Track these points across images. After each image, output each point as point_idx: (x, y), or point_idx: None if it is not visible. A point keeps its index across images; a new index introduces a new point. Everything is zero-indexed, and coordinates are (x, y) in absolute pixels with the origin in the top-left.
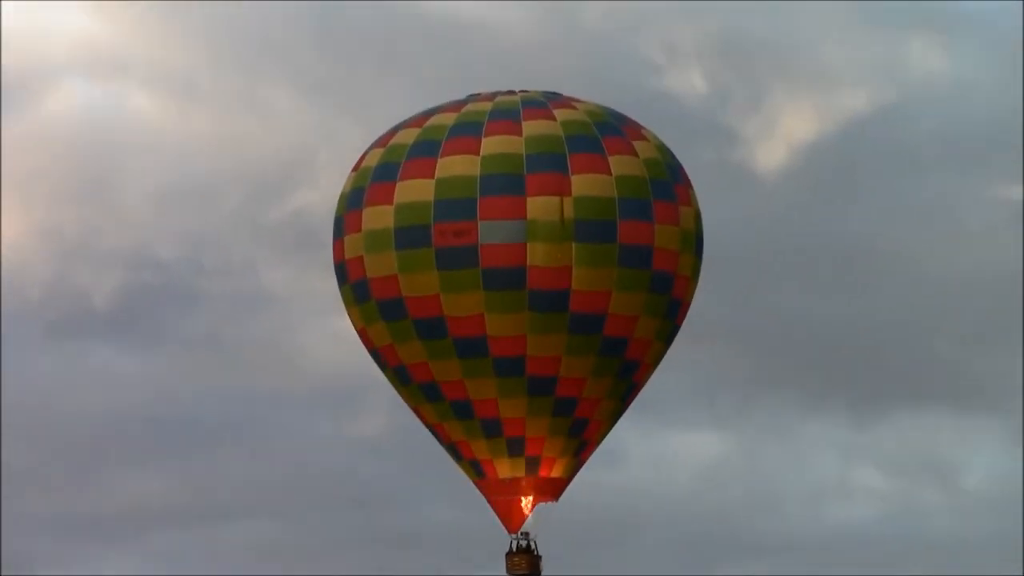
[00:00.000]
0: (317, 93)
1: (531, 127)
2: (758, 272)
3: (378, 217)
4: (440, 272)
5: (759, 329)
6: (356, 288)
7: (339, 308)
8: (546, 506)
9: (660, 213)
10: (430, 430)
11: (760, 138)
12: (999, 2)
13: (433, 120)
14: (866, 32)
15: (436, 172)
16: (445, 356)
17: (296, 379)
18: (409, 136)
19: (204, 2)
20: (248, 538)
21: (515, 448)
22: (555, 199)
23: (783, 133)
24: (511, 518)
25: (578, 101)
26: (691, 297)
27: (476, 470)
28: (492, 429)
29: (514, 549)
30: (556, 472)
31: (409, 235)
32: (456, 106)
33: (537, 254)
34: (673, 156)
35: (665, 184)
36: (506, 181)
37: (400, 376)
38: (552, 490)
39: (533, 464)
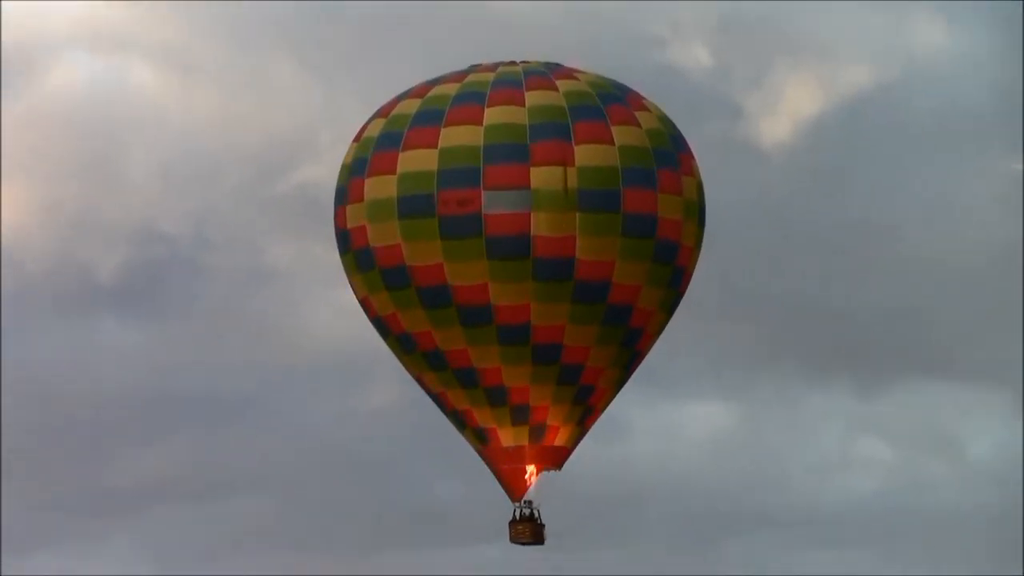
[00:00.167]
0: (321, 67)
1: (534, 97)
2: (763, 245)
3: (381, 186)
4: (444, 241)
5: (764, 302)
6: (359, 256)
7: (344, 281)
8: (550, 474)
9: (663, 182)
10: (433, 398)
11: (763, 113)
12: None
13: (435, 90)
14: (869, 7)
15: (440, 141)
16: (449, 324)
17: (301, 353)
18: (411, 106)
19: None
20: (253, 512)
21: (520, 416)
22: (559, 168)
23: (786, 108)
24: (515, 486)
25: (580, 72)
26: (694, 266)
27: (480, 438)
28: (497, 397)
29: (517, 517)
30: (560, 440)
31: (413, 204)
32: (458, 76)
33: (541, 223)
34: (674, 126)
35: (668, 153)
36: (510, 150)
37: (404, 344)
38: (556, 458)
39: (538, 432)
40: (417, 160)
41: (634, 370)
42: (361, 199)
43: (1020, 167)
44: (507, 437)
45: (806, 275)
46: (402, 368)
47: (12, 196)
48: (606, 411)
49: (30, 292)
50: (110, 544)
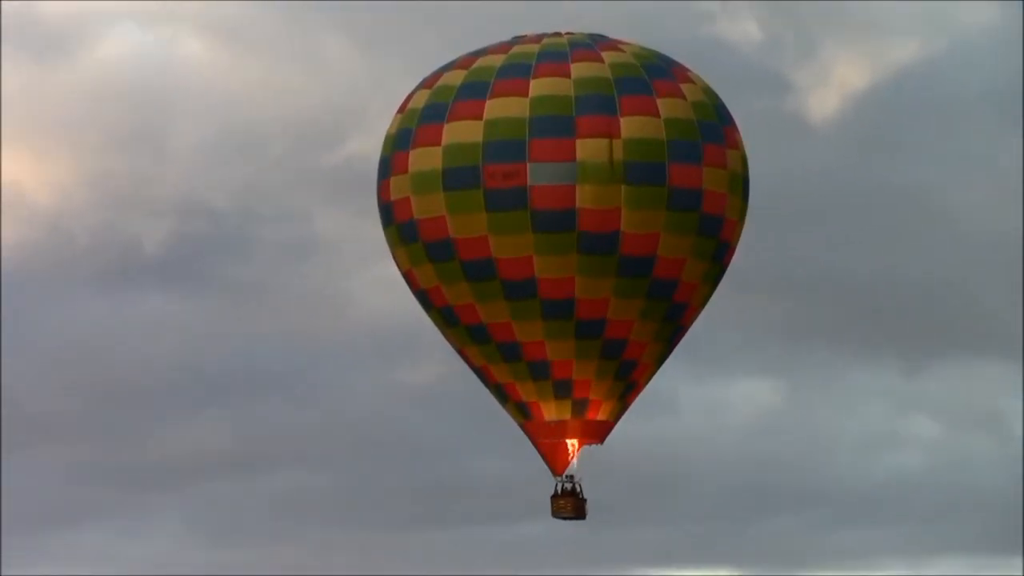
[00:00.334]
0: (368, 40)
1: (580, 68)
2: (811, 221)
3: (426, 158)
4: (489, 213)
5: (811, 277)
6: (403, 229)
7: (388, 254)
8: (591, 448)
9: (709, 155)
10: (475, 372)
11: (812, 87)
12: None
13: (480, 62)
14: None
15: (485, 113)
16: (493, 297)
17: (347, 327)
18: (456, 78)
19: None
20: (293, 487)
21: (562, 390)
22: (604, 141)
23: (835, 82)
24: (556, 460)
25: (625, 43)
26: (737, 240)
27: (523, 412)
28: (540, 371)
29: (559, 492)
30: (602, 415)
31: (458, 176)
32: (503, 47)
33: (587, 196)
34: (718, 98)
35: (714, 126)
36: (556, 123)
37: (447, 317)
38: (598, 432)
39: (580, 406)
40: (463, 132)
41: (676, 344)
42: (405, 171)
43: None
44: (549, 411)
45: (853, 250)
46: (446, 342)
47: (60, 167)
48: (648, 386)
49: (78, 263)
50: (152, 518)
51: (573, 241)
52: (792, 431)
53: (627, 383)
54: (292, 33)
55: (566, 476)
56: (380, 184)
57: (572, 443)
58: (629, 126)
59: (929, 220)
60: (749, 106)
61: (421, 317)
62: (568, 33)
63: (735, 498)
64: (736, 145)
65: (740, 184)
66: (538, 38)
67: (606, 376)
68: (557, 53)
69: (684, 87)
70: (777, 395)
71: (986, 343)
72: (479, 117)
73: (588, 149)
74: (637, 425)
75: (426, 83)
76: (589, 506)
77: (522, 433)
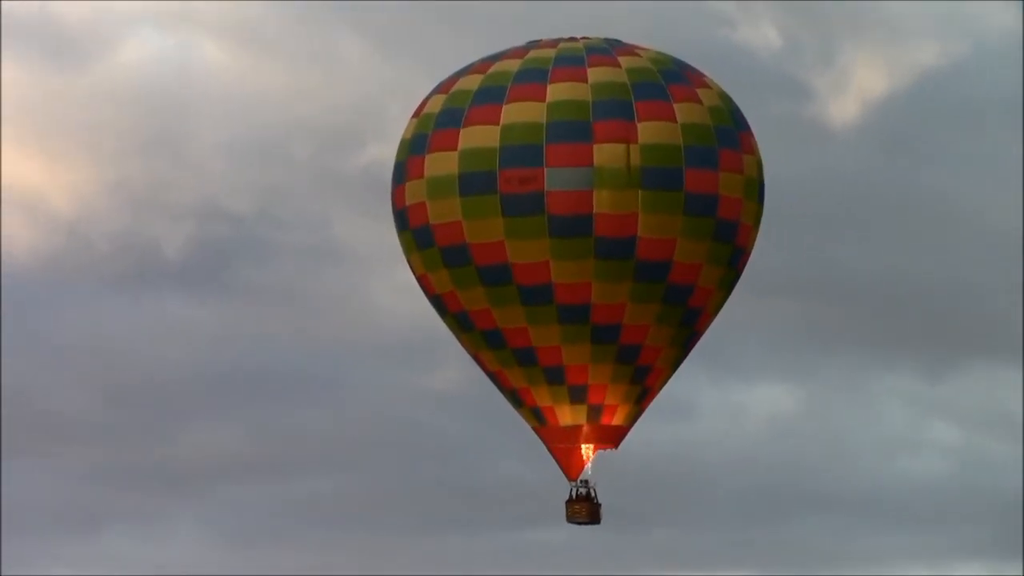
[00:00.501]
0: (388, 42)
1: (596, 74)
2: (831, 226)
3: (442, 163)
4: (505, 218)
5: (832, 282)
6: (418, 234)
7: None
8: (606, 453)
9: (725, 161)
10: (490, 377)
11: (832, 93)
12: None
13: (496, 66)
14: None
15: (501, 118)
16: (509, 302)
17: (367, 332)
18: (472, 82)
19: None
20: (312, 491)
21: (578, 395)
22: (621, 146)
23: (855, 87)
24: (571, 465)
25: (641, 48)
26: (752, 245)
27: (538, 417)
28: (555, 376)
29: (574, 496)
30: (617, 420)
31: (474, 181)
32: (519, 52)
33: (604, 201)
34: (734, 103)
35: (729, 131)
36: (572, 128)
37: (462, 322)
38: (613, 437)
39: (595, 412)
40: (479, 137)
41: (691, 350)
42: (421, 176)
43: None
44: (564, 416)
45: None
46: (461, 348)
47: (79, 172)
48: (665, 390)
49: (97, 268)
50: (170, 521)
51: (590, 246)
52: (810, 436)
53: (642, 388)
54: (311, 36)
55: (581, 481)
56: (395, 190)
57: (587, 448)
58: (646, 131)
59: (950, 224)
60: (768, 111)
61: (440, 322)
62: (584, 38)
63: (750, 503)
64: (752, 150)
65: (756, 189)
66: (554, 43)
67: (621, 381)
68: (574, 58)
69: (700, 92)
70: (794, 399)
71: (1009, 348)
72: (496, 122)
73: (605, 154)
74: (655, 429)
75: (442, 88)
76: (604, 511)
77: (537, 438)
